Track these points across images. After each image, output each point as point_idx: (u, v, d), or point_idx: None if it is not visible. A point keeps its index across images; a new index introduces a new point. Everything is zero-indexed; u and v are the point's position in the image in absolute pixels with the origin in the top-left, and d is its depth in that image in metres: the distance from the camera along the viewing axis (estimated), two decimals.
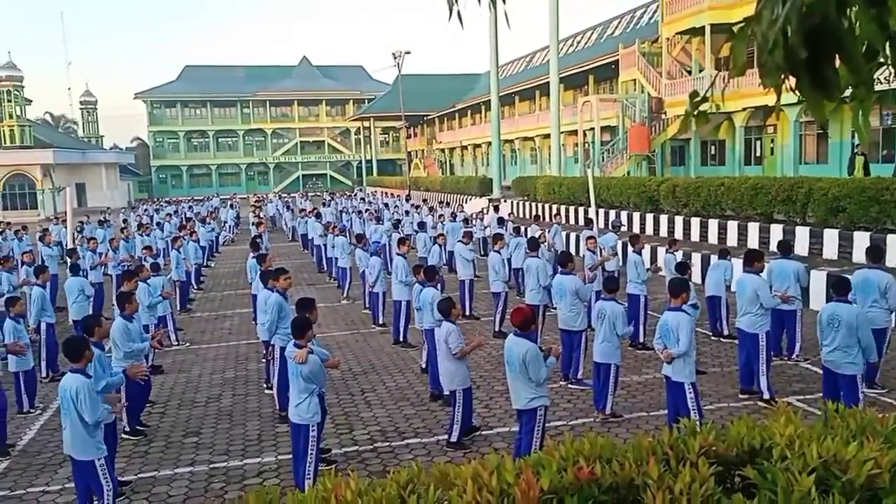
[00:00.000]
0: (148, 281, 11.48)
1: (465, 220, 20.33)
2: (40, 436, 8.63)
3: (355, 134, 78.85)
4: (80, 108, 75.05)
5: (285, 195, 53.45)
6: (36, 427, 8.94)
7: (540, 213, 26.42)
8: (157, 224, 26.97)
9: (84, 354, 5.83)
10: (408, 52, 46.62)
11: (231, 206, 38.54)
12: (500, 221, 19.25)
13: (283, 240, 30.88)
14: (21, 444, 8.37)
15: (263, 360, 10.57)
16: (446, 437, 7.75)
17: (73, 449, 5.72)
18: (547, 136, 38.87)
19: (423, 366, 10.37)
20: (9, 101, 51.38)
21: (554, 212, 23.00)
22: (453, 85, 62.54)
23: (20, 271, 14.55)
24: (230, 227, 34.02)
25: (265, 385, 10.08)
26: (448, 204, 31.89)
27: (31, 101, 60.10)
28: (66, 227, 19.02)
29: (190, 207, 38.70)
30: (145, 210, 39.20)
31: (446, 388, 7.83)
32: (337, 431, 8.27)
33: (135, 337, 8.26)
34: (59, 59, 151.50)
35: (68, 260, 14.28)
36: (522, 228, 18.33)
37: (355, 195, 47.51)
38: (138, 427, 8.49)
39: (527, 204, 29.84)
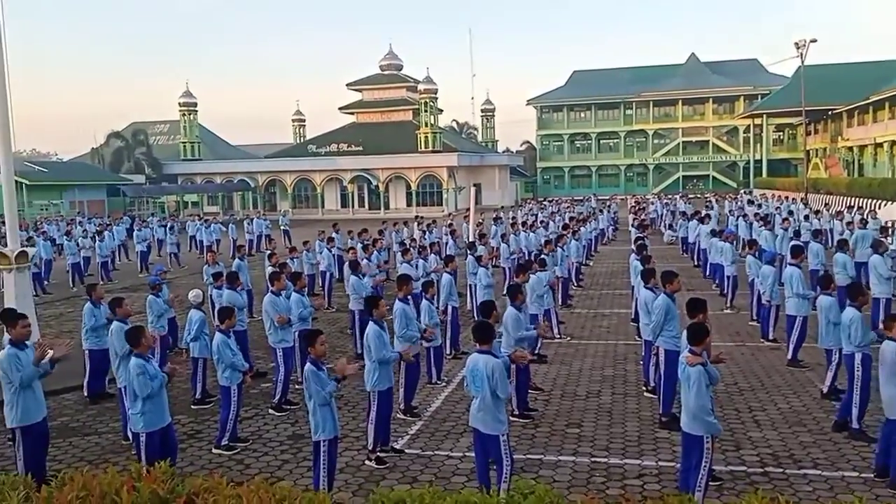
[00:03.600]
0: (537, 274, 12.26)
1: (883, 229, 17.54)
2: (445, 405, 9.77)
3: (744, 132, 73.79)
4: (481, 116, 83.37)
5: (664, 196, 52.35)
6: (441, 397, 10.14)
7: None
8: (542, 222, 28.64)
9: (490, 337, 6.34)
10: (813, 41, 41.96)
11: (609, 207, 39.09)
12: None
13: (661, 242, 30.31)
14: (429, 410, 9.57)
15: (641, 362, 10.50)
16: (860, 473, 6.77)
17: (481, 423, 6.23)
18: None
19: (825, 390, 9.23)
20: (426, 111, 59.40)
21: None
22: (867, 74, 54.31)
23: (430, 259, 16.66)
24: (609, 227, 34.51)
25: (645, 388, 9.99)
26: (860, 208, 27.82)
27: (442, 110, 68.63)
28: (467, 223, 21.32)
29: (568, 207, 40.15)
30: (530, 209, 41.85)
31: (887, 414, 6.78)
32: (722, 447, 7.78)
33: (522, 326, 9.02)
34: (465, 71, 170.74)
35: (468, 251, 15.97)
36: None
37: (740, 198, 44.41)
38: (526, 411, 9.08)
39: None
